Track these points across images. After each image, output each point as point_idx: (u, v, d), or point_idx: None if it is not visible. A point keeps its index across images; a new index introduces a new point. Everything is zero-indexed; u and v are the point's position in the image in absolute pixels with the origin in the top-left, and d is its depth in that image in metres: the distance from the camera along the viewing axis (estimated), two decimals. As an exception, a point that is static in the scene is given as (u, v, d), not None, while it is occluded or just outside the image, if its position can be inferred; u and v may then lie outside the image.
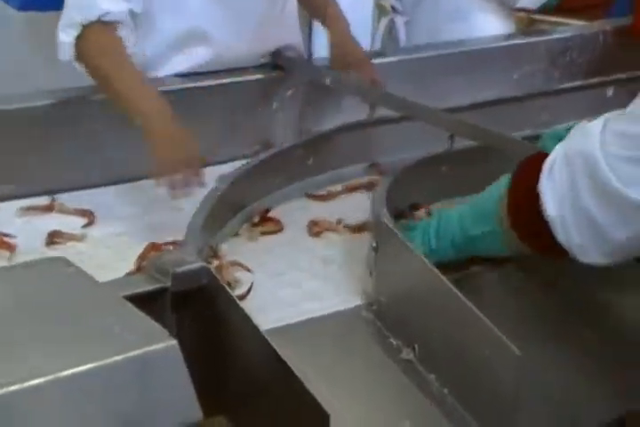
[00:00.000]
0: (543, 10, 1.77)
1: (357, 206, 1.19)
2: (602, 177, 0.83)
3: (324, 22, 1.45)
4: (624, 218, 0.85)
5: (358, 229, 1.13)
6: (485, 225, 1.00)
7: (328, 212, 1.20)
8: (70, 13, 1.20)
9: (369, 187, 1.23)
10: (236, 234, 1.13)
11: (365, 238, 1.08)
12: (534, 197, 0.89)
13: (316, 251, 1.12)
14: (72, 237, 1.09)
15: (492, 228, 0.98)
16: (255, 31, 1.34)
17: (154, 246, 1.03)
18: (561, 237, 0.88)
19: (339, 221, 1.15)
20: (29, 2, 1.82)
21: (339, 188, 1.26)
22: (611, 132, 0.84)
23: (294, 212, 1.20)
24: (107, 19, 1.18)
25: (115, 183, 1.24)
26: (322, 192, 1.24)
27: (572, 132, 0.91)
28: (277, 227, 1.13)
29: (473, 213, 1.02)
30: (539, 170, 0.88)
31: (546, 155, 0.90)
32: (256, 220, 1.13)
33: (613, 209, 0.86)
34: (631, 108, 0.85)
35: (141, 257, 1.01)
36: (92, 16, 1.18)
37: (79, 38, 1.18)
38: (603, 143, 0.84)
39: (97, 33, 1.18)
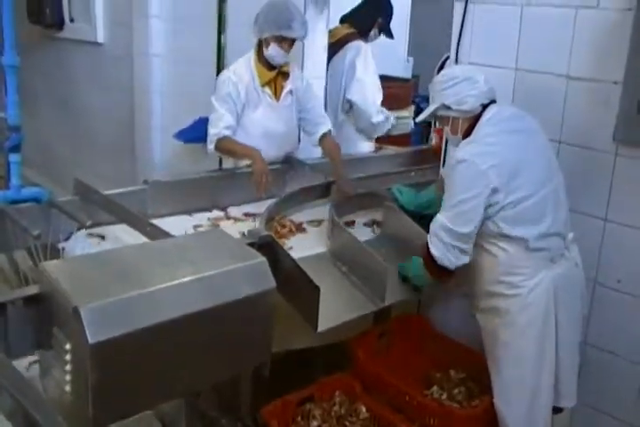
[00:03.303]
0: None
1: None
2: (448, 227, 2.18)
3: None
4: (464, 239, 2.20)
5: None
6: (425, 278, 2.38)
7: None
8: (212, 132, 3.01)
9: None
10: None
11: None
12: (434, 260, 2.25)
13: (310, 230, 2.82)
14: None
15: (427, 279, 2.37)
16: (278, 148, 3.19)
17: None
18: (449, 263, 2.22)
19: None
20: (190, 138, 3.61)
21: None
22: (441, 212, 2.24)
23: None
24: (224, 135, 3.00)
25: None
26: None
27: (431, 228, 2.26)
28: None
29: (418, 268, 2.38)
30: (428, 248, 2.25)
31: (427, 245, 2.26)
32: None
33: (457, 238, 2.20)
34: (444, 197, 2.26)
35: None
36: (221, 135, 3.00)
37: (217, 141, 2.99)
38: (442, 216, 2.22)
39: (224, 139, 3.00)
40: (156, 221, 2.40)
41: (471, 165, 2.18)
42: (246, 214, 2.91)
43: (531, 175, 2.24)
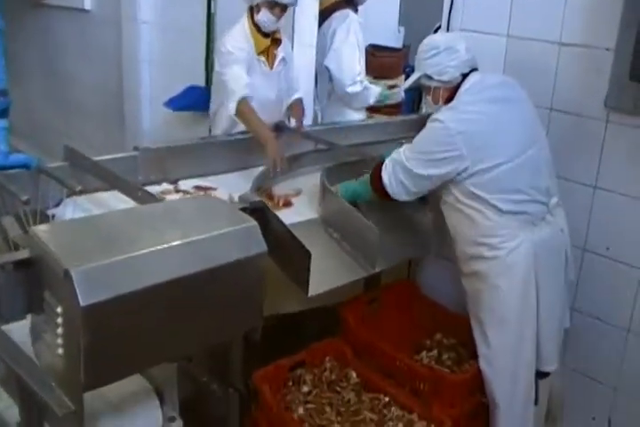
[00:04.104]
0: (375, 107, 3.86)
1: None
2: (404, 165, 2.31)
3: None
4: (414, 180, 2.33)
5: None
6: (365, 193, 2.51)
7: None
8: (234, 88, 2.87)
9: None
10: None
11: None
12: (381, 180, 2.39)
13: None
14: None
15: (367, 194, 2.50)
16: (270, 116, 3.12)
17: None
18: (391, 192, 2.37)
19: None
20: (179, 107, 3.57)
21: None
22: (404, 149, 2.35)
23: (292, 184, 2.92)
24: (246, 95, 2.90)
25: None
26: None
27: (391, 155, 2.39)
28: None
29: (360, 189, 2.52)
30: (380, 170, 2.40)
31: (382, 164, 2.38)
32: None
33: (410, 177, 2.32)
34: (415, 139, 2.35)
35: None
36: (244, 94, 2.88)
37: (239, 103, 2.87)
38: (403, 153, 2.33)
39: (243, 102, 2.87)
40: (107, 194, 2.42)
41: (444, 128, 2.24)
42: (197, 188, 2.70)
43: (507, 144, 2.27)
